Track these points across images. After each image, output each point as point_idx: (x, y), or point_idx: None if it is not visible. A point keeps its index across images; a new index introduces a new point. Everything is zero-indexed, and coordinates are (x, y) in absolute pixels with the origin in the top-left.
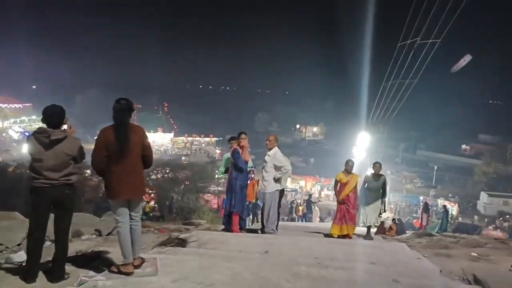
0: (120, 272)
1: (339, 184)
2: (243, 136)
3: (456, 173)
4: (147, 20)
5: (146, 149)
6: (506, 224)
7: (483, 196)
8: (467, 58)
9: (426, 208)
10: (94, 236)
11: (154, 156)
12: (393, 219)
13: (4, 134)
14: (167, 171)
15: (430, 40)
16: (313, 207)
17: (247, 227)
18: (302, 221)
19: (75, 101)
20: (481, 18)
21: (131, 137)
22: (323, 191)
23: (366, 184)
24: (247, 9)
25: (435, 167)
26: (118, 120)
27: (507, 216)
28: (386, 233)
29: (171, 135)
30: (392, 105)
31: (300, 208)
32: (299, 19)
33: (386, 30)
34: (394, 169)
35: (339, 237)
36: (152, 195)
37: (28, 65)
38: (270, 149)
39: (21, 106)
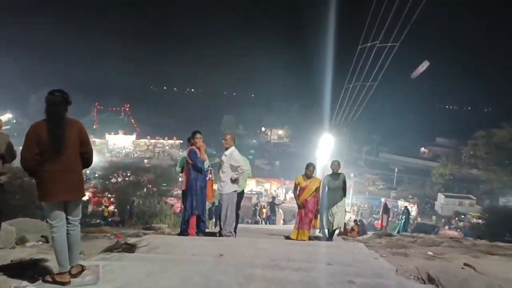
0: (54, 282)
1: (298, 187)
2: (198, 135)
3: (415, 175)
4: (109, 17)
5: (84, 145)
6: (461, 223)
7: (440, 197)
8: (425, 64)
9: (386, 209)
10: (40, 242)
11: (114, 159)
12: (355, 220)
13: None
14: (128, 174)
15: (389, 44)
16: (277, 209)
17: (208, 230)
18: (266, 223)
19: (30, 102)
20: (438, 26)
21: (66, 132)
22: (288, 194)
23: (326, 185)
24: (213, 11)
25: (396, 170)
26: (51, 114)
27: (462, 216)
28: (348, 234)
29: (133, 137)
30: (354, 108)
31: (264, 210)
32: (265, 22)
33: (350, 32)
34: (358, 171)
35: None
36: (112, 199)
37: None
38: (227, 149)
39: None
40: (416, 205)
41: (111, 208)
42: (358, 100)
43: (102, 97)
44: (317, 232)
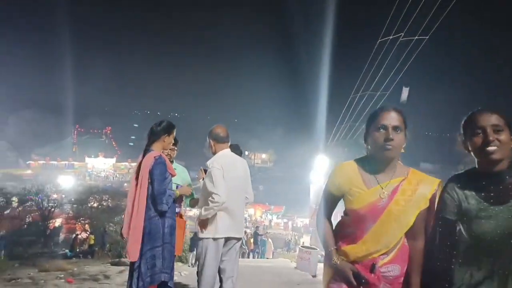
0: None
1: (344, 208)
2: (174, 131)
3: None
4: (93, 37)
5: None
6: None
7: None
8: (405, 91)
9: None
10: None
11: (92, 183)
12: None
13: None
14: (106, 198)
15: (416, 37)
16: (262, 239)
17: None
18: (253, 256)
19: (8, 123)
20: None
21: None
22: (272, 220)
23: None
24: (201, 40)
25: None
26: None
27: None
28: None
29: (113, 160)
30: (356, 124)
31: (251, 240)
32: (252, 42)
33: (353, 33)
34: None
35: None
36: (86, 225)
37: None
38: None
39: None
40: None
41: (83, 235)
42: (363, 113)
43: (83, 120)
44: None
